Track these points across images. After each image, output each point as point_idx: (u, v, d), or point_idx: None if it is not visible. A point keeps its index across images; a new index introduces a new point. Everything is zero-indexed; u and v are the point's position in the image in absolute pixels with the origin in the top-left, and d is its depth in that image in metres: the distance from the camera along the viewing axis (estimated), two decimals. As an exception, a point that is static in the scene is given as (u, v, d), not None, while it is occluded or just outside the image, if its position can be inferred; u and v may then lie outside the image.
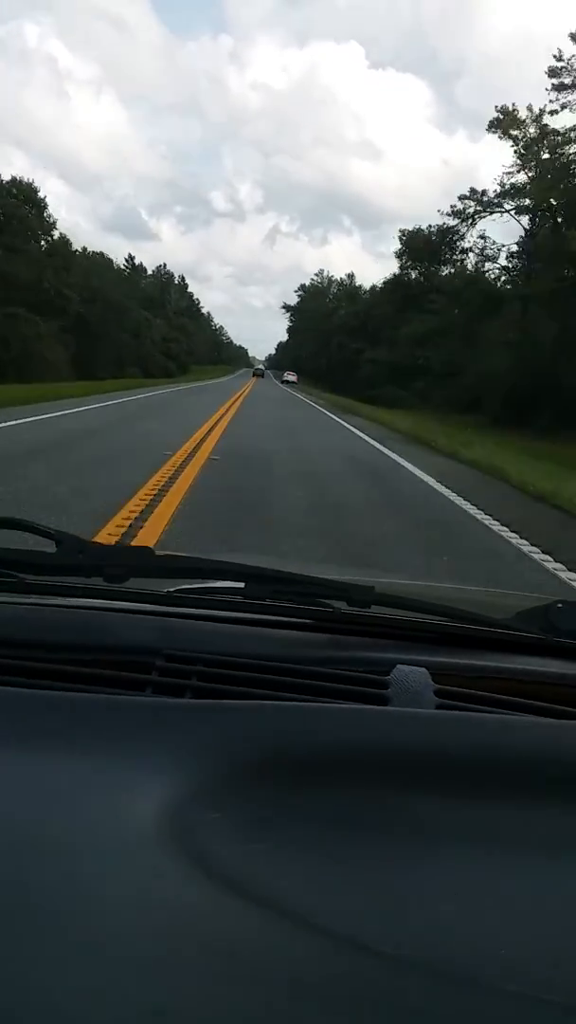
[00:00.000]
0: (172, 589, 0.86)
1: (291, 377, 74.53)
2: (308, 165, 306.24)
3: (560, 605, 0.86)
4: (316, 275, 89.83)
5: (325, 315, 77.70)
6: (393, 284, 44.44)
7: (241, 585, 0.84)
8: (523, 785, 0.55)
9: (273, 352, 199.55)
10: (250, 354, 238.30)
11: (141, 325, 50.52)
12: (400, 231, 40.99)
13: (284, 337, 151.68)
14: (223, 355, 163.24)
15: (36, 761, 0.54)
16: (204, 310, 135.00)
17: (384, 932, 0.40)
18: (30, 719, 0.58)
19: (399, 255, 40.76)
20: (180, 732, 0.57)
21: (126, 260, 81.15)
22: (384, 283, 46.83)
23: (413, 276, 41.44)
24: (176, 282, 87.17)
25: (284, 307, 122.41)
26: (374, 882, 0.46)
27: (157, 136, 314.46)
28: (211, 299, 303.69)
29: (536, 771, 0.56)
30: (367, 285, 69.77)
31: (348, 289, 75.24)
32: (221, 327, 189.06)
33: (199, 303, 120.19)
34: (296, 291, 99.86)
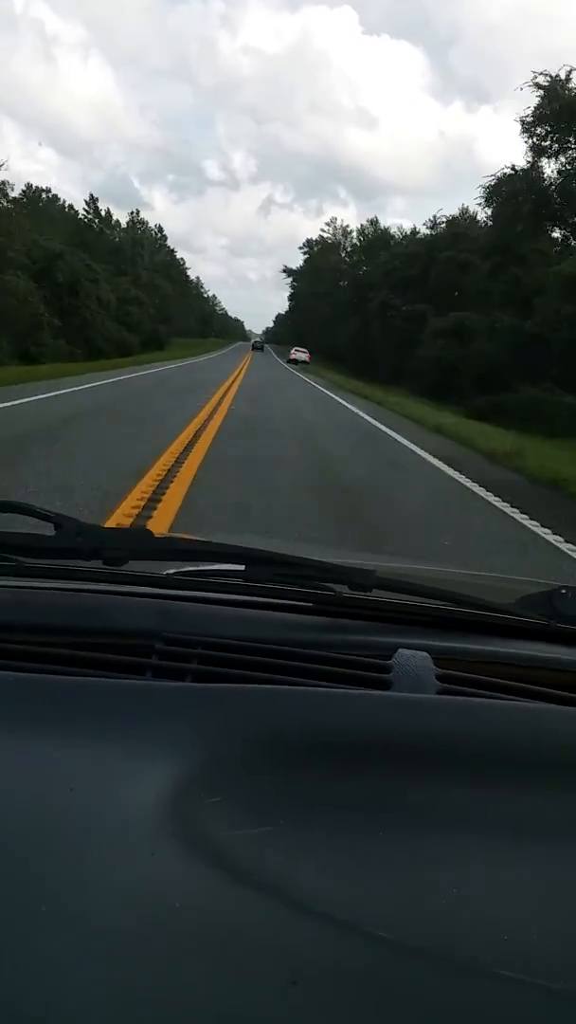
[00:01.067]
0: (172, 572, 0.85)
1: (301, 355, 55.33)
2: (302, 134, 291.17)
3: (563, 591, 0.85)
4: (327, 225, 71.89)
5: (342, 272, 60.45)
6: (507, 190, 22.54)
7: (241, 568, 0.83)
8: (525, 771, 0.55)
9: (271, 325, 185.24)
10: (246, 327, 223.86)
11: (79, 280, 32.81)
12: (533, 80, 20.61)
13: (282, 309, 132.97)
14: (215, 327, 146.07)
15: (35, 745, 0.53)
16: (193, 275, 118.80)
17: (385, 917, 0.40)
18: (29, 703, 0.58)
19: (528, 128, 20.62)
20: (180, 716, 0.57)
21: (87, 205, 63.31)
22: (490, 190, 23.31)
23: (553, 169, 21.06)
24: (153, 234, 69.05)
25: (284, 271, 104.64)
26: (374, 867, 0.45)
27: (148, 102, 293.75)
28: (206, 271, 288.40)
29: (538, 756, 0.56)
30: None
31: (373, 237, 57.60)
32: (214, 296, 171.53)
33: (184, 264, 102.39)
34: (301, 248, 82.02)
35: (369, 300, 41.08)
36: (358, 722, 0.58)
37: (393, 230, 54.04)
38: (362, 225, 60.37)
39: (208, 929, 0.39)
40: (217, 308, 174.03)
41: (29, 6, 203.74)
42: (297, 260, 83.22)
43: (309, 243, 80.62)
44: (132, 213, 68.65)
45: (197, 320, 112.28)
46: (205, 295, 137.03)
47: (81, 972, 0.35)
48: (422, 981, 0.37)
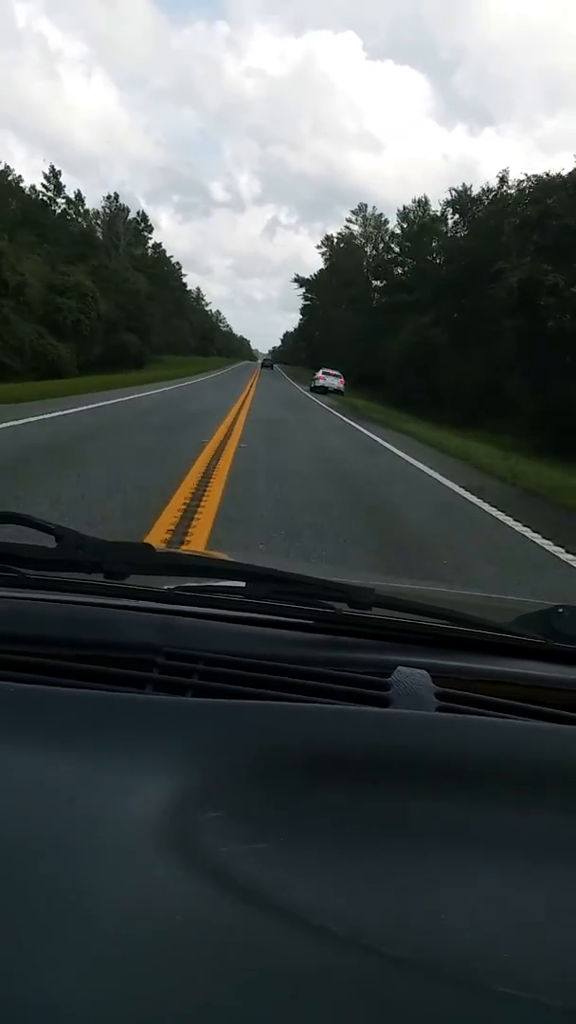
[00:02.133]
0: (173, 587, 0.86)
1: (332, 381, 37.63)
2: (307, 156, 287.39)
3: (561, 610, 0.86)
4: (353, 215, 57.03)
5: (382, 267, 45.83)
6: None
7: (242, 584, 0.84)
8: (523, 789, 0.55)
9: (279, 344, 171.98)
10: (252, 347, 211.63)
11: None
12: None
13: (289, 329, 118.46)
14: (218, 344, 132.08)
15: (35, 758, 0.53)
16: (192, 286, 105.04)
17: (384, 933, 0.40)
18: (29, 715, 0.58)
19: None
20: (181, 731, 0.57)
21: (47, 178, 48.62)
22: None
23: None
24: (132, 217, 54.33)
25: (296, 280, 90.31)
26: (374, 883, 0.45)
27: (153, 122, 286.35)
28: (212, 291, 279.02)
29: (536, 775, 0.57)
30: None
31: (422, 223, 42.83)
32: (218, 313, 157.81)
33: (179, 268, 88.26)
34: (320, 247, 67.41)
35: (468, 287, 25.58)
36: (357, 739, 0.58)
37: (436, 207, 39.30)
38: (404, 208, 45.67)
39: (207, 943, 0.38)
40: (221, 325, 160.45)
41: (31, 22, 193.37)
42: (323, 251, 69.04)
43: (329, 241, 66.00)
44: (109, 197, 53.83)
45: (196, 335, 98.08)
46: (207, 309, 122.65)
47: (80, 985, 0.35)
48: (420, 996, 0.37)
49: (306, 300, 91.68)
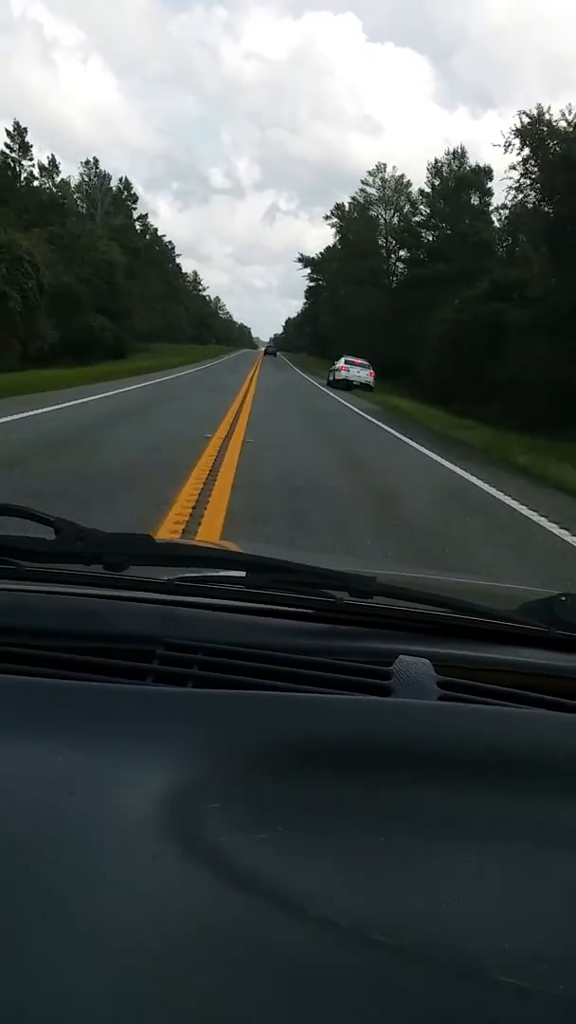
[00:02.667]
0: (172, 577, 0.85)
1: (359, 373, 28.75)
2: (306, 140, 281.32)
3: (563, 598, 0.86)
4: (371, 175, 48.93)
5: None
6: None
7: (242, 574, 0.85)
8: (525, 777, 0.55)
9: (280, 332, 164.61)
10: (253, 335, 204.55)
11: None
12: None
13: (291, 315, 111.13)
14: (217, 331, 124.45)
15: (35, 750, 0.53)
16: (187, 270, 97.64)
17: (386, 923, 0.40)
18: (29, 708, 0.58)
19: None
20: (181, 721, 0.57)
21: (10, 136, 40.99)
22: None
23: None
24: (115, 185, 46.63)
25: (300, 259, 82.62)
26: (375, 873, 0.45)
27: (151, 109, 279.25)
28: (212, 279, 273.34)
29: (538, 763, 0.57)
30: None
31: (458, 176, 35.09)
32: (217, 300, 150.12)
33: (172, 249, 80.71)
34: (329, 217, 59.67)
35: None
36: (359, 728, 0.58)
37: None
38: (436, 162, 37.93)
39: (209, 934, 0.39)
40: (220, 312, 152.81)
41: (27, 8, 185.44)
42: (304, 270, 61.58)
43: (339, 210, 58.24)
44: (87, 162, 46.18)
45: (193, 322, 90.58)
46: (205, 295, 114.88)
47: (82, 976, 0.35)
48: (423, 987, 0.37)
49: (311, 281, 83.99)
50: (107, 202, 42.32)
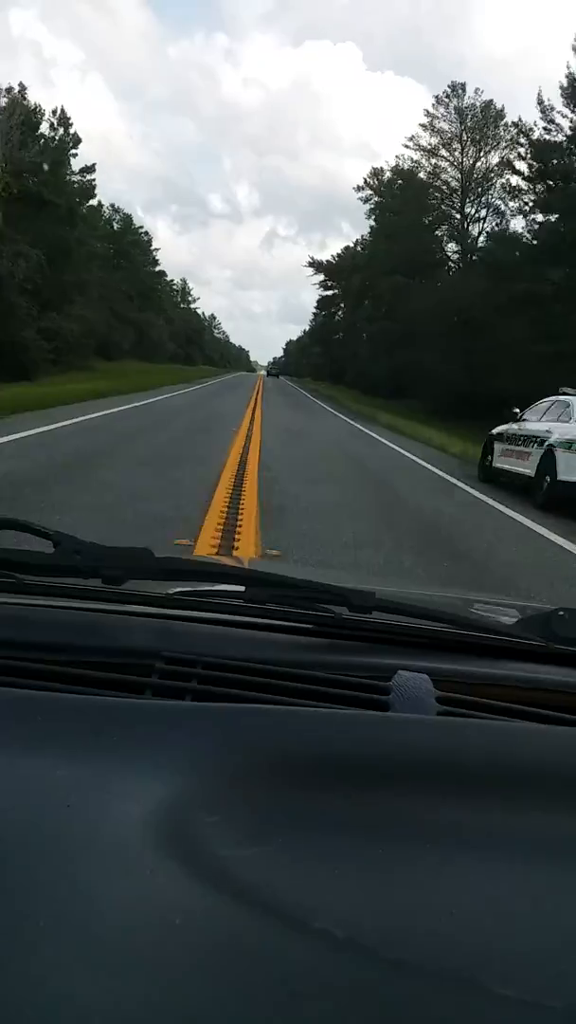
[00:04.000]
0: (171, 591, 0.86)
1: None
2: (305, 168, 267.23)
3: (561, 613, 0.86)
4: (424, 128, 32.61)
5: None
6: None
7: (241, 589, 0.85)
8: (524, 792, 0.55)
9: (280, 355, 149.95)
10: (252, 358, 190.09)
11: None
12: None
13: (286, 340, 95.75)
14: (210, 351, 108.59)
15: (34, 763, 0.53)
16: (175, 278, 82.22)
17: (384, 937, 0.40)
18: (28, 721, 0.58)
19: None
20: (180, 735, 0.57)
21: None
22: None
23: None
24: (33, 116, 29.84)
25: (311, 264, 66.69)
26: (373, 887, 0.45)
27: (150, 132, 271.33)
28: (211, 303, 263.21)
29: (537, 778, 0.57)
30: None
31: None
32: (212, 317, 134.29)
33: (142, 232, 64.75)
34: (362, 188, 43.67)
35: None
36: (357, 743, 0.58)
37: None
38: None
39: (206, 946, 0.39)
40: (216, 330, 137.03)
41: (26, 29, 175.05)
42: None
43: (377, 176, 42.00)
44: (14, 87, 29.40)
45: (177, 338, 74.41)
46: (196, 310, 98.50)
47: (79, 988, 0.35)
48: (420, 999, 0.37)
49: (325, 289, 68.11)
50: (14, 127, 25.42)
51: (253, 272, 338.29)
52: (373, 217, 43.94)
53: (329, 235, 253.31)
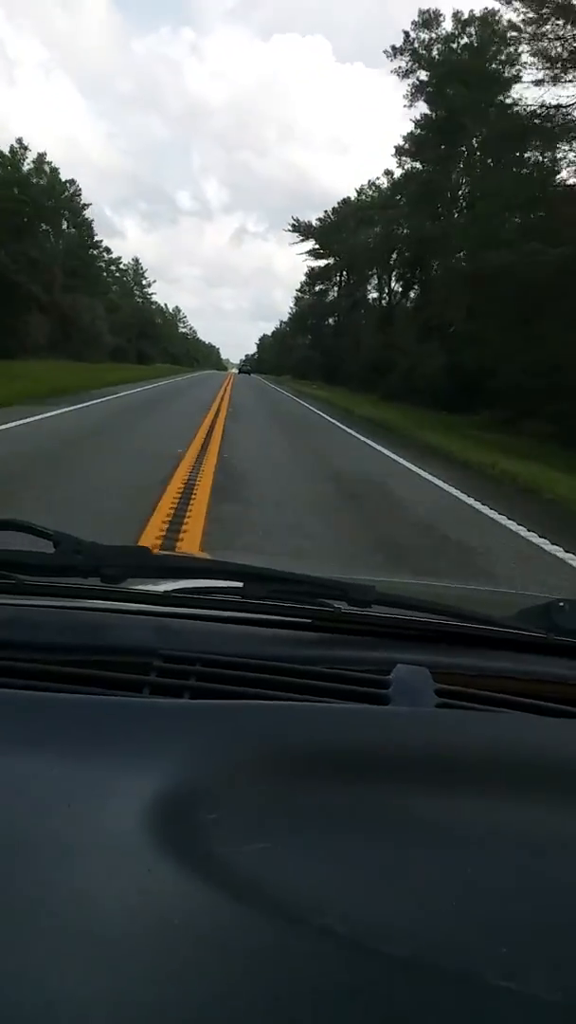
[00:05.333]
0: (170, 589, 0.86)
1: None
2: (274, 162, 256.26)
3: (562, 604, 0.86)
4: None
5: None
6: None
7: (240, 585, 0.84)
8: (524, 784, 0.55)
9: (253, 352, 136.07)
10: (223, 356, 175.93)
11: None
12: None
13: (258, 337, 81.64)
14: (174, 348, 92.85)
15: (33, 762, 0.53)
16: (125, 257, 66.48)
17: (385, 931, 0.40)
18: (27, 720, 0.58)
19: None
20: (178, 733, 0.57)
21: None
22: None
23: None
24: None
25: (294, 227, 51.37)
26: (374, 881, 0.45)
27: (116, 130, 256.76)
28: (182, 301, 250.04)
29: (537, 770, 0.57)
30: None
31: None
32: (177, 311, 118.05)
33: (79, 201, 48.96)
34: (396, 55, 28.40)
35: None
36: (357, 737, 0.58)
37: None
38: None
39: (206, 944, 0.39)
40: (181, 324, 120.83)
41: None
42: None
43: (408, 45, 26.56)
44: None
45: (126, 331, 58.54)
46: (153, 298, 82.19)
47: (79, 986, 0.36)
48: (421, 995, 0.37)
49: (316, 256, 52.55)
50: None
51: (224, 269, 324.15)
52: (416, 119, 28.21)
53: (299, 230, 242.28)
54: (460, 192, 26.50)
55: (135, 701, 0.64)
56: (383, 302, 43.62)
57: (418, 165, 29.43)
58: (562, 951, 0.41)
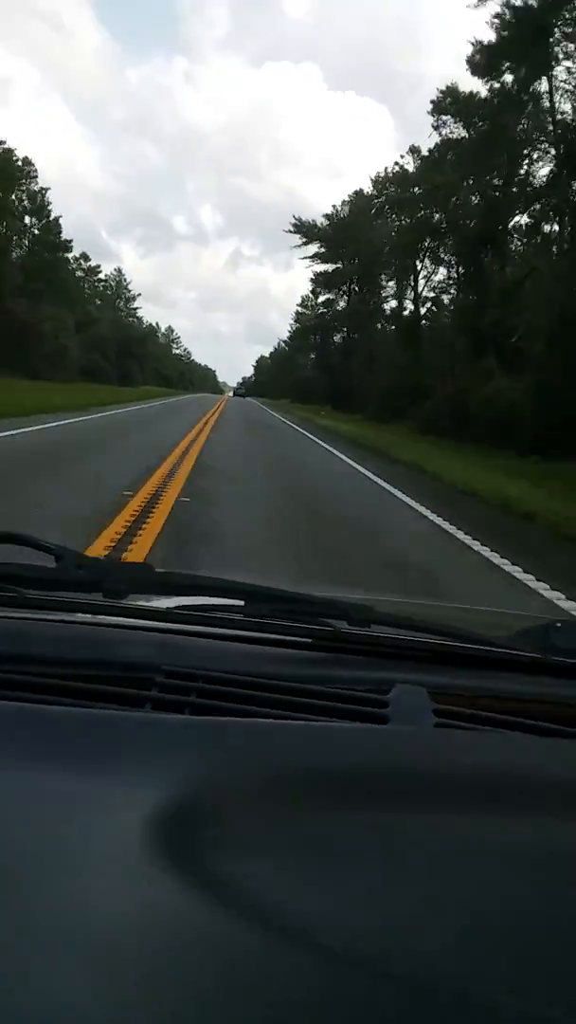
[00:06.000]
0: (172, 606, 0.86)
1: None
2: (268, 186, 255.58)
3: (559, 625, 0.87)
4: None
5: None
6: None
7: (241, 603, 0.85)
8: (522, 804, 0.55)
9: (250, 374, 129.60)
10: (219, 379, 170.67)
11: None
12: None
13: (254, 362, 78.17)
14: (165, 369, 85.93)
15: (35, 776, 0.53)
16: (104, 267, 58.63)
17: (383, 950, 0.40)
18: (29, 734, 0.58)
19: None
20: (179, 749, 0.57)
21: None
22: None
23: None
24: None
25: (296, 227, 44.10)
26: (372, 901, 0.45)
27: (111, 155, 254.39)
28: (178, 324, 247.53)
29: (535, 790, 0.57)
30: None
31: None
32: (170, 331, 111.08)
33: (44, 202, 41.73)
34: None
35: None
36: (356, 756, 0.59)
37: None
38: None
39: (206, 960, 0.39)
40: (175, 346, 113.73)
41: None
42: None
43: None
44: None
45: (105, 349, 51.10)
46: (137, 314, 74.95)
47: (79, 999, 0.36)
48: (419, 1013, 0.37)
49: (322, 260, 45.12)
50: None
51: (219, 293, 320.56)
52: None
53: (293, 255, 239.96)
54: (550, 126, 18.78)
55: (137, 716, 0.64)
56: (404, 312, 36.11)
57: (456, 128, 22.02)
58: (561, 968, 0.41)
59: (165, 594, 0.90)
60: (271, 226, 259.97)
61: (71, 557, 0.81)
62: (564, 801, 0.56)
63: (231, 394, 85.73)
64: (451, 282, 30.44)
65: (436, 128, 25.52)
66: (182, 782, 0.52)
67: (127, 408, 23.10)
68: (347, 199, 43.15)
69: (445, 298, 31.43)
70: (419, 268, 32.34)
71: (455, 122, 24.74)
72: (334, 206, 44.79)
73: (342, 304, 45.37)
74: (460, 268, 26.41)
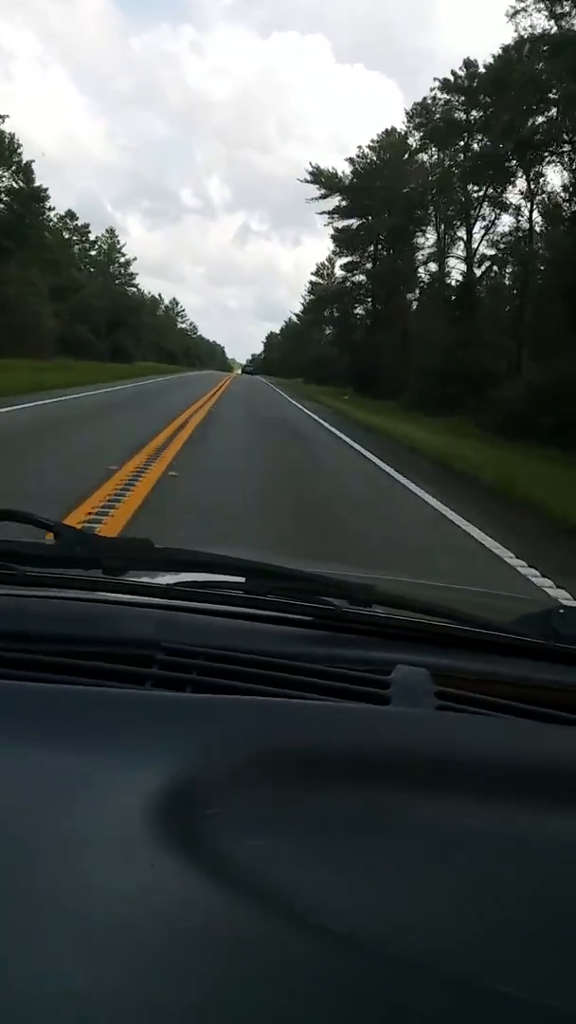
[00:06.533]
0: (172, 582, 0.86)
1: None
2: (276, 160, 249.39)
3: (562, 610, 0.87)
4: None
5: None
6: None
7: (242, 580, 0.84)
8: (522, 788, 0.55)
9: (260, 351, 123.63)
10: (228, 356, 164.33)
11: None
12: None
13: (263, 339, 78.56)
14: (168, 342, 79.22)
15: (34, 754, 0.54)
16: (95, 227, 52.06)
17: (384, 932, 0.40)
18: (28, 712, 0.58)
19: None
20: (180, 727, 0.57)
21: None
22: None
23: None
24: None
25: (312, 177, 36.80)
26: (372, 881, 0.45)
27: (116, 127, 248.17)
28: (185, 300, 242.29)
29: (535, 774, 0.57)
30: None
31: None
32: (174, 303, 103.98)
33: (20, 158, 34.98)
34: None
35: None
36: (356, 736, 0.59)
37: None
38: None
39: (206, 940, 0.39)
40: (181, 319, 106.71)
41: None
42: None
43: None
44: None
45: (90, 318, 44.48)
46: (133, 281, 67.86)
47: (80, 981, 0.36)
48: (420, 996, 0.37)
49: (343, 216, 38.24)
50: None
51: (228, 268, 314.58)
52: None
53: (303, 231, 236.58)
54: None
55: (138, 693, 0.64)
56: (447, 279, 29.22)
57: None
58: (562, 955, 0.41)
59: (165, 571, 0.90)
60: (280, 201, 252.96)
61: (69, 534, 0.80)
62: (564, 786, 0.56)
63: (239, 371, 79.06)
64: (520, 235, 23.58)
65: (514, 16, 18.65)
66: (183, 760, 0.52)
67: (83, 393, 16.43)
68: (374, 140, 36.12)
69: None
70: (475, 216, 25.44)
71: (537, 8, 17.90)
72: (359, 147, 37.72)
73: (367, 268, 38.44)
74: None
